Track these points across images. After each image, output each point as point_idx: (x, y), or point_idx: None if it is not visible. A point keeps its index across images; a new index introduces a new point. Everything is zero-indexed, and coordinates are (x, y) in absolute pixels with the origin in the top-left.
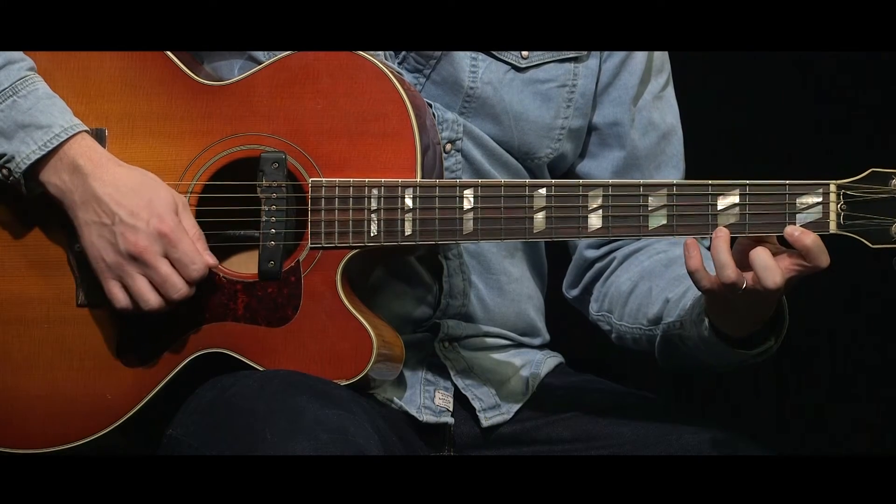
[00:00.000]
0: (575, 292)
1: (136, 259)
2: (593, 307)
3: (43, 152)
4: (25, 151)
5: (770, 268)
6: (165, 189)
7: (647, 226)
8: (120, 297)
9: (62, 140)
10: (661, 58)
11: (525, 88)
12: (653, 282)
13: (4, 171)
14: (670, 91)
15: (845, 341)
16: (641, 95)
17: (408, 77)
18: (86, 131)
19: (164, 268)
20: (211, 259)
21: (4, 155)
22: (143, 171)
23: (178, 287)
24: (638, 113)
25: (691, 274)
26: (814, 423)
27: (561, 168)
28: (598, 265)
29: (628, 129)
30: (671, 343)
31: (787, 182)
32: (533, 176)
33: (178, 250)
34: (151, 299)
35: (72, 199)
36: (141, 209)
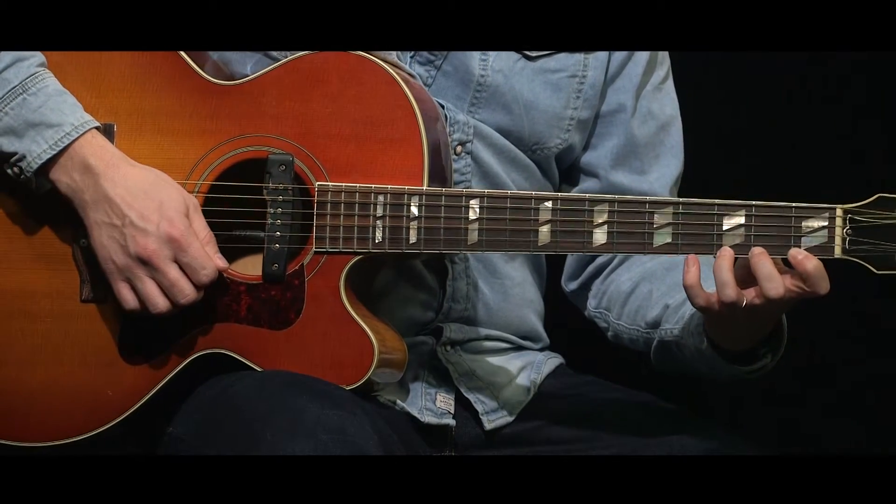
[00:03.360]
0: (574, 286)
1: (145, 262)
2: (591, 303)
3: (54, 152)
4: (37, 151)
5: (773, 278)
6: (177, 190)
7: (652, 243)
8: (129, 299)
9: (73, 139)
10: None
11: (536, 77)
12: (653, 284)
13: (16, 169)
14: (670, 83)
15: (846, 343)
16: (644, 86)
17: (419, 70)
18: (96, 128)
19: (173, 272)
20: (221, 262)
21: (16, 154)
22: (156, 172)
23: (186, 292)
24: (639, 102)
25: (687, 290)
26: (814, 423)
27: (567, 161)
28: (599, 261)
29: (629, 117)
30: (667, 349)
31: (794, 205)
32: (541, 168)
33: (188, 255)
34: (160, 303)
35: (82, 199)
36: (151, 212)
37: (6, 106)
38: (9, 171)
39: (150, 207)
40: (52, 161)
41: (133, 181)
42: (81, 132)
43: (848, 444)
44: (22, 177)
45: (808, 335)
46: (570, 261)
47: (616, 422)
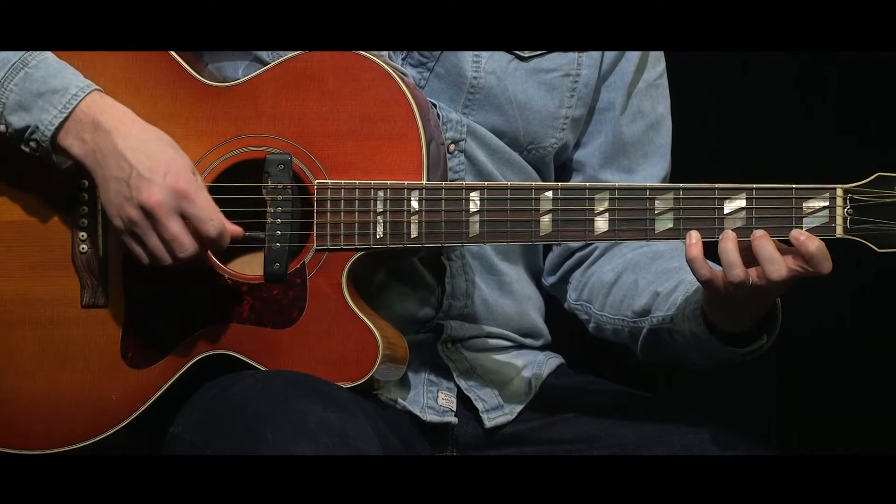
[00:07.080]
0: (552, 279)
1: (148, 214)
2: (572, 296)
3: (64, 115)
4: (47, 118)
5: (775, 261)
6: (185, 155)
7: (654, 229)
8: (140, 254)
9: (80, 98)
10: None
11: (529, 78)
12: (638, 274)
13: (32, 143)
14: (664, 82)
15: (846, 341)
16: (636, 83)
17: (411, 72)
18: (99, 90)
19: (174, 226)
20: (230, 224)
21: (28, 127)
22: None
23: (186, 247)
24: (630, 99)
25: (691, 262)
26: (814, 423)
27: (560, 159)
28: (578, 254)
29: (618, 115)
30: (658, 337)
31: (794, 186)
32: (537, 168)
33: (195, 205)
34: (166, 258)
35: (94, 158)
36: (160, 164)
37: (9, 83)
38: (26, 148)
39: (160, 160)
40: (63, 127)
41: (145, 136)
42: (87, 92)
43: (848, 444)
44: (39, 150)
45: (809, 336)
46: (550, 255)
47: (617, 422)
